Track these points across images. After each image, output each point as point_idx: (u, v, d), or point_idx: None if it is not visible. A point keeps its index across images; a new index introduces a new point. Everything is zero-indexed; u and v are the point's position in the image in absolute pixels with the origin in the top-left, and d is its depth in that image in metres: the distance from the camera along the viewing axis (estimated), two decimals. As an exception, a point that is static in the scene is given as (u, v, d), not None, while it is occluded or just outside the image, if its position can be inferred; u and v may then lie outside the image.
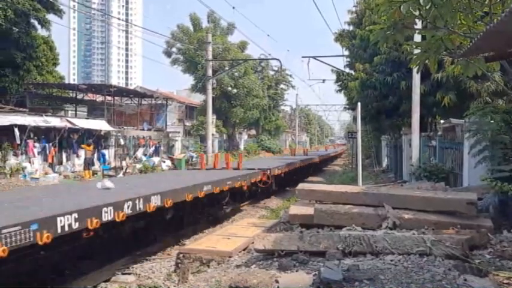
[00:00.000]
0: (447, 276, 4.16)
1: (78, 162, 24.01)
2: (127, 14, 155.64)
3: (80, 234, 6.02)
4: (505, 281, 4.09)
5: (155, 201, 7.45)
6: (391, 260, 4.79)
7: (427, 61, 5.47)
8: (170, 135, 35.61)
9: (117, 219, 6.42)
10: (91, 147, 23.04)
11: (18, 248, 4.82)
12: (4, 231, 4.61)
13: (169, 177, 12.97)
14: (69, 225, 5.52)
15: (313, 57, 21.46)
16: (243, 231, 8.01)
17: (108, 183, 8.46)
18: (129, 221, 7.20)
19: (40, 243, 5.03)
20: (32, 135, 21.62)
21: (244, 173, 13.28)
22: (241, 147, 47.90)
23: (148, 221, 8.19)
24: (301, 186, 7.42)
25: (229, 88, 41.14)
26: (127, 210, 6.68)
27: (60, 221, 5.38)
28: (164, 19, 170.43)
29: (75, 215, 5.62)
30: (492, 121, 7.73)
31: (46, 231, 5.09)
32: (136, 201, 6.94)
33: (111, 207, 6.33)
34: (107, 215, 6.22)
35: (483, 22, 4.99)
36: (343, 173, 29.17)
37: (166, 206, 7.86)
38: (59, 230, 5.34)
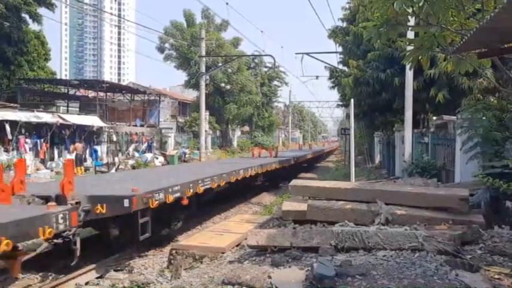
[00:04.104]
0: (439, 271, 4.19)
1: (70, 158, 23.87)
2: (119, 10, 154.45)
3: None
4: (496, 276, 4.13)
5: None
6: (384, 256, 4.80)
7: (420, 58, 5.50)
8: (163, 131, 35.51)
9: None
10: (80, 146, 22.90)
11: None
12: None
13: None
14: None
15: (307, 53, 21.47)
16: (236, 227, 8.02)
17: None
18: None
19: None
20: (23, 131, 21.45)
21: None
22: (235, 143, 47.88)
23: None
24: (294, 182, 7.42)
25: (223, 84, 41.06)
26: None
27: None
28: (164, 18, 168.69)
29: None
30: (484, 118, 7.79)
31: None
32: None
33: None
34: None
35: (475, 19, 5.02)
36: (336, 169, 29.25)
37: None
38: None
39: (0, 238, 4.46)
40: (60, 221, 5.39)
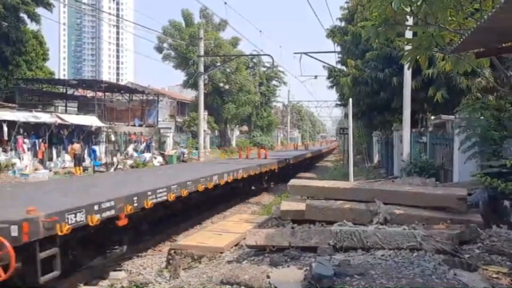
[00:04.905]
0: (437, 270, 4.19)
1: (68, 158, 23.81)
2: (118, 9, 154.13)
3: None
4: (494, 275, 4.13)
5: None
6: (382, 255, 4.80)
7: (418, 57, 5.50)
8: (161, 131, 35.45)
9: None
10: (78, 146, 22.83)
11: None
12: None
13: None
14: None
15: (305, 53, 21.48)
16: (234, 227, 8.01)
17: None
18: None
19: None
20: (21, 131, 21.39)
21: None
22: (233, 143, 47.88)
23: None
24: (293, 182, 7.41)
25: (221, 84, 41.03)
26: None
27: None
28: (162, 18, 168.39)
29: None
30: (482, 117, 7.80)
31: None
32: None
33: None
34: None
35: (473, 19, 5.02)
36: (334, 169, 29.27)
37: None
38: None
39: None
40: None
